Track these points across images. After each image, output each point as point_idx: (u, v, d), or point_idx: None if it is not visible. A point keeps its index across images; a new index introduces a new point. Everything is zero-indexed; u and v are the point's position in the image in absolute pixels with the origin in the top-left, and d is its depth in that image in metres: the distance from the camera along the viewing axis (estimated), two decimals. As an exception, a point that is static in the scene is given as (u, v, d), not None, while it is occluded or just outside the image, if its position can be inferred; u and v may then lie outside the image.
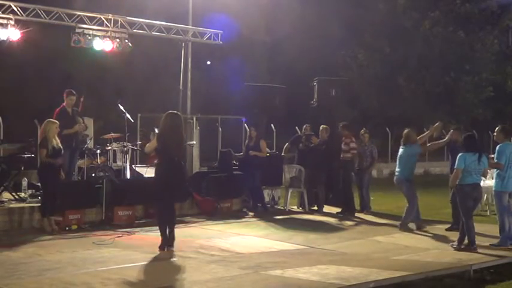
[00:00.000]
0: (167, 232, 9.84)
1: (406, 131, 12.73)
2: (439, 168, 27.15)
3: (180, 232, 11.86)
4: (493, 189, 10.92)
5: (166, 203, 9.94)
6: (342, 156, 14.77)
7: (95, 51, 15.55)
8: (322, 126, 15.26)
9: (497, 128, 11.13)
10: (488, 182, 13.01)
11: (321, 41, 29.79)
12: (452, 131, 12.99)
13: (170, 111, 10.17)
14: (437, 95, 32.50)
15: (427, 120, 31.58)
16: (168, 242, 9.82)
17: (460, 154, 10.56)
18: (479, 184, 10.65)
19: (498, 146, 10.97)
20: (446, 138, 12.95)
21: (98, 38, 15.13)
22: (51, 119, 11.65)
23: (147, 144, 10.27)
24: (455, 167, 10.59)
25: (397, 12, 32.84)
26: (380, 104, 32.07)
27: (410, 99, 32.54)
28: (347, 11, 30.80)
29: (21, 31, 14.10)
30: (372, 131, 20.46)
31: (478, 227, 11.06)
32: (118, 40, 15.38)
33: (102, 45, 15.23)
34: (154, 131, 10.05)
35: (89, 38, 14.98)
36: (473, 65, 33.38)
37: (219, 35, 16.87)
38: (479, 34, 33.56)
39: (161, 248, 9.79)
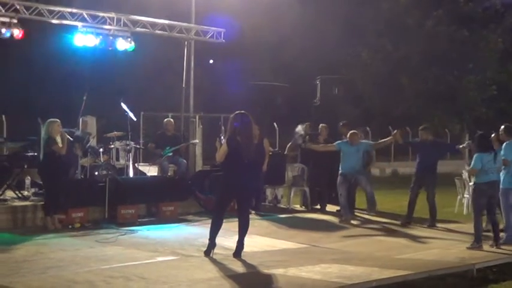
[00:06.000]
0: (237, 240, 9.44)
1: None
2: (441, 167, 27.09)
3: (183, 231, 11.93)
4: (500, 186, 10.90)
5: (223, 209, 9.53)
6: None
7: (98, 49, 15.56)
8: (321, 125, 15.25)
9: (502, 127, 11.22)
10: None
11: (323, 39, 29.79)
12: (421, 130, 13.33)
13: (237, 112, 9.43)
14: (440, 94, 32.48)
15: (429, 119, 31.65)
16: (235, 250, 9.41)
17: (476, 154, 10.56)
18: (496, 181, 10.64)
19: (505, 143, 11.00)
20: (389, 138, 13.54)
21: (101, 36, 15.14)
22: (52, 119, 11.66)
23: (218, 153, 9.43)
24: (471, 166, 10.63)
25: (400, 10, 32.83)
26: (383, 102, 32.07)
27: (413, 98, 32.53)
28: (350, 10, 30.80)
29: (24, 29, 14.12)
30: (375, 129, 20.48)
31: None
32: (121, 39, 15.40)
33: (105, 44, 15.24)
34: (219, 137, 9.49)
35: (92, 36, 14.99)
36: (476, 63, 33.36)
37: (222, 33, 16.86)
38: (483, 33, 33.53)
39: (207, 253, 9.42)
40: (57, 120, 11.64)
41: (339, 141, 13.66)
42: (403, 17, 32.62)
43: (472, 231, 11.22)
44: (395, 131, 13.35)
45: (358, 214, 14.34)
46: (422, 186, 13.14)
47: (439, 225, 12.99)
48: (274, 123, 23.61)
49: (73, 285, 7.48)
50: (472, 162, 10.61)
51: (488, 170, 10.49)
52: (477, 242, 10.48)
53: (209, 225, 9.60)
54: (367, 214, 13.87)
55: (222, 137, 9.59)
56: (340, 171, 13.46)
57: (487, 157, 10.48)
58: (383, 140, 14.05)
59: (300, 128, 15.87)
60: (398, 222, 13.15)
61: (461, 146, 14.11)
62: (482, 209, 10.63)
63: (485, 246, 10.49)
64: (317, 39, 29.81)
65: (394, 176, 25.96)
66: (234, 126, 9.38)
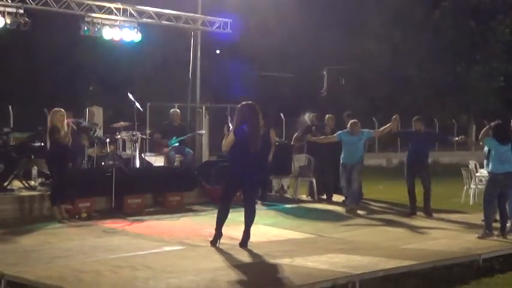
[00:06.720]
0: (243, 230, 9.43)
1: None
2: (448, 158, 27.14)
3: (189, 221, 11.95)
4: None
5: (229, 199, 9.55)
6: None
7: (105, 40, 15.57)
8: (328, 115, 15.26)
9: None
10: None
11: (330, 30, 29.72)
12: (414, 121, 13.38)
13: (244, 102, 9.53)
14: (448, 85, 32.39)
15: (437, 110, 31.59)
16: (241, 239, 9.42)
17: (493, 140, 10.58)
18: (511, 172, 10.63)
19: None
20: (389, 124, 13.50)
21: (107, 27, 15.15)
22: (56, 108, 11.69)
23: (224, 141, 9.45)
24: (483, 142, 10.67)
25: (408, 1, 32.69)
26: (389, 93, 31.99)
27: (421, 89, 32.44)
28: (357, 0, 30.70)
29: (31, 20, 14.13)
30: (381, 120, 20.46)
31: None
32: (127, 29, 15.40)
33: (111, 34, 15.25)
34: (227, 125, 9.45)
35: (98, 27, 15.01)
36: (484, 54, 33.24)
37: (229, 24, 16.84)
38: (490, 23, 33.39)
39: (213, 242, 9.43)
40: (61, 109, 11.65)
41: (340, 132, 13.65)
42: (410, 8, 32.49)
43: (478, 221, 11.26)
44: (395, 116, 13.37)
45: (365, 204, 14.36)
46: (416, 175, 13.15)
47: (445, 215, 13.00)
48: (281, 114, 23.60)
49: (80, 274, 7.49)
50: (486, 143, 10.72)
51: (504, 160, 10.48)
52: (488, 229, 10.49)
53: (215, 215, 9.61)
54: (347, 206, 13.60)
55: (230, 124, 9.57)
56: (341, 162, 13.45)
57: (503, 148, 10.47)
58: (383, 128, 14.06)
59: (306, 119, 15.87)
60: (404, 213, 13.14)
61: (455, 138, 14.22)
62: (494, 199, 10.63)
63: (490, 238, 10.48)
64: (324, 30, 29.72)
65: (401, 167, 25.87)
66: (241, 117, 9.39)
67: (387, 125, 13.68)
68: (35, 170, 12.93)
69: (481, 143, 11.36)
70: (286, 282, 7.48)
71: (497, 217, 10.88)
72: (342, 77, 17.04)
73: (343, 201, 14.32)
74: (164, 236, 10.29)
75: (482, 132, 11.02)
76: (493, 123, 10.84)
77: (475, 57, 33.08)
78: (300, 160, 15.61)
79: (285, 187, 15.80)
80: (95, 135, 13.95)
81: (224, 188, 9.88)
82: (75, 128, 12.04)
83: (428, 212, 12.95)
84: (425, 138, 13.34)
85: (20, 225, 10.78)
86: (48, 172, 12.33)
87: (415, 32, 32.14)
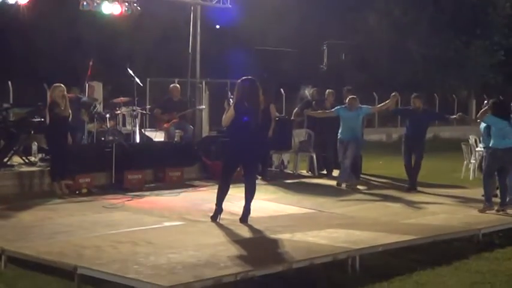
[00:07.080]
0: (244, 206, 9.47)
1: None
2: (448, 132, 27.13)
3: (190, 196, 11.96)
4: None
5: (230, 175, 9.55)
6: None
7: (104, 15, 15.47)
8: (328, 90, 15.22)
9: None
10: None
11: (330, 4, 29.53)
12: (413, 98, 13.33)
13: (244, 77, 9.53)
14: (448, 59, 32.27)
15: (437, 85, 31.50)
16: (242, 215, 9.44)
17: (491, 117, 10.60)
18: None
19: None
20: (388, 101, 13.42)
21: (106, 1, 15.03)
22: (55, 84, 11.65)
23: (224, 116, 9.46)
24: (481, 119, 10.72)
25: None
26: (390, 68, 31.87)
27: (421, 64, 32.32)
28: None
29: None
30: (382, 95, 20.43)
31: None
32: (127, 3, 15.29)
33: (111, 8, 15.14)
34: (228, 99, 9.41)
35: (97, 1, 14.89)
36: (484, 28, 33.07)
37: (228, -2, 16.73)
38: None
39: (213, 218, 9.47)
40: (61, 85, 11.62)
41: (338, 107, 13.61)
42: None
43: (478, 196, 11.29)
44: (394, 93, 13.32)
45: (365, 179, 14.38)
46: (412, 152, 13.17)
47: (445, 190, 13.03)
48: (281, 89, 23.55)
49: (81, 250, 7.52)
50: (484, 119, 10.75)
51: (505, 135, 10.49)
52: (489, 202, 10.53)
53: (216, 191, 9.63)
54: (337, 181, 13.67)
55: (231, 99, 9.55)
56: (338, 137, 13.43)
57: (503, 122, 10.48)
58: (382, 104, 14.06)
59: (306, 94, 15.83)
60: (403, 188, 13.17)
61: (452, 117, 14.23)
62: (493, 173, 10.66)
63: (491, 211, 10.51)
64: (324, 3, 29.54)
65: (401, 142, 25.90)
66: (241, 92, 9.37)
67: (386, 102, 13.66)
68: (35, 146, 12.91)
69: (478, 121, 11.31)
70: (287, 257, 7.51)
71: (498, 192, 10.91)
72: (342, 51, 16.96)
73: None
74: (164, 211, 10.31)
75: (480, 112, 11.01)
76: (491, 100, 10.86)
77: (476, 32, 32.91)
78: (300, 135, 15.60)
79: (285, 162, 15.79)
80: (95, 110, 13.92)
81: (224, 163, 9.88)
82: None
83: (413, 186, 12.96)
84: (423, 117, 13.26)
85: (20, 201, 10.78)
86: (47, 148, 12.32)
87: (416, 6, 31.94)
